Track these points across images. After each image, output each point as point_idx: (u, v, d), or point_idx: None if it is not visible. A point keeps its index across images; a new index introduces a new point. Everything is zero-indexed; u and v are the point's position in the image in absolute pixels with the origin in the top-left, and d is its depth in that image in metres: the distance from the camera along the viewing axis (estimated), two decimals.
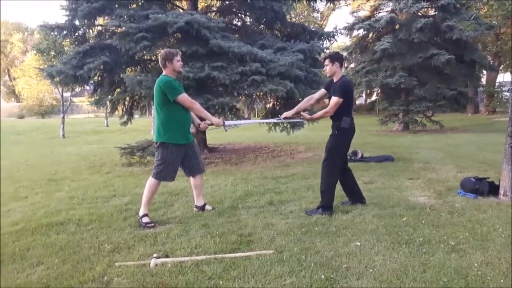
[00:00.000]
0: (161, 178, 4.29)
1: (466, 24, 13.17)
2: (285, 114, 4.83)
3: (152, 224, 4.11)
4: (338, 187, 4.59)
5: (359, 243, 3.42)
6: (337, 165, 4.58)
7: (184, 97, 4.18)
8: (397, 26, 15.15)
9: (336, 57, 4.55)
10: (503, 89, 23.69)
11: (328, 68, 4.52)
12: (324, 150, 4.68)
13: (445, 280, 2.72)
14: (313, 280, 2.77)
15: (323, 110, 4.50)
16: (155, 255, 3.24)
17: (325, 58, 4.64)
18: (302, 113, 4.68)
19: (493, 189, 4.90)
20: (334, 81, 4.56)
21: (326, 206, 4.39)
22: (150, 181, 4.30)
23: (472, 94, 18.96)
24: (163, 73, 4.25)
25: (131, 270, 3.02)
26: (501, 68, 23.68)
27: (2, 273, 3.10)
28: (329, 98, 4.59)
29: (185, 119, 4.32)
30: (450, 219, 4.02)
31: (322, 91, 4.79)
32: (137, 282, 2.83)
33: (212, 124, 4.58)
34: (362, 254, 3.19)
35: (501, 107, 22.49)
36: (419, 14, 15.16)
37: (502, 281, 2.70)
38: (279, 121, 5.70)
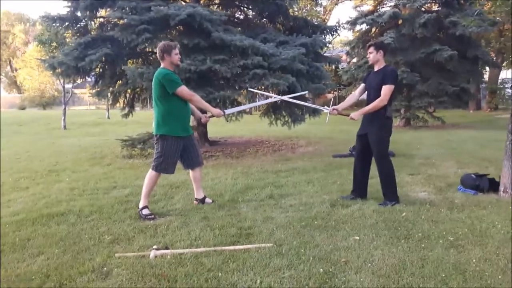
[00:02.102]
0: (161, 170, 4.29)
1: (469, 20, 13.09)
2: (335, 107, 4.64)
3: (152, 216, 4.13)
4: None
5: (358, 238, 3.43)
6: (389, 155, 4.56)
7: (183, 90, 4.17)
8: (400, 21, 15.07)
9: (381, 45, 4.48)
10: (506, 86, 23.64)
11: (372, 55, 4.45)
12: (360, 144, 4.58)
13: (443, 275, 2.73)
14: (311, 273, 2.78)
15: (377, 100, 4.32)
16: (154, 246, 3.25)
17: (369, 46, 4.51)
18: (351, 115, 4.48)
19: (493, 186, 4.91)
20: (375, 69, 4.50)
21: (395, 198, 4.43)
22: (150, 173, 4.31)
23: (474, 91, 18.91)
24: (161, 66, 4.24)
25: (130, 261, 3.04)
26: (504, 64, 23.60)
27: (2, 263, 3.12)
28: (368, 89, 4.54)
29: (184, 112, 4.32)
30: (450, 215, 4.03)
31: (362, 85, 4.70)
32: (137, 273, 2.85)
33: (213, 116, 4.57)
34: (361, 249, 3.20)
35: (503, 104, 22.47)
36: (423, 9, 15.06)
37: (500, 277, 2.70)
38: (279, 99, 5.61)
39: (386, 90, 4.30)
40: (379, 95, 4.33)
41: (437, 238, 3.41)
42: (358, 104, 4.83)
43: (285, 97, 5.50)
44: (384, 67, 4.46)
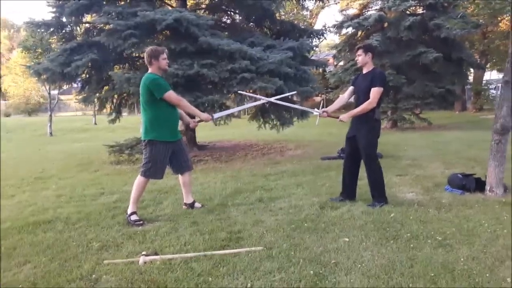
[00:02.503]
0: (150, 176, 4.26)
1: (453, 23, 13.28)
2: (325, 109, 4.67)
3: (141, 222, 4.09)
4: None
5: (347, 239, 3.44)
6: (377, 158, 4.59)
7: (171, 95, 4.15)
8: (385, 24, 15.22)
9: (369, 48, 4.52)
10: (490, 87, 24.03)
11: (361, 58, 4.48)
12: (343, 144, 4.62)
13: (432, 274, 2.75)
14: (302, 275, 2.78)
15: (366, 102, 4.34)
16: (143, 252, 3.23)
17: (358, 48, 4.54)
18: (341, 117, 4.51)
19: (479, 185, 4.97)
20: (364, 72, 4.53)
21: (383, 200, 4.46)
22: (139, 179, 4.27)
23: (459, 92, 19.15)
24: (149, 71, 4.22)
25: (119, 268, 3.00)
26: (488, 66, 23.98)
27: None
28: (357, 92, 4.57)
29: (172, 117, 4.29)
30: (438, 215, 4.07)
31: (351, 88, 4.72)
32: (126, 279, 2.82)
33: (201, 121, 4.56)
34: (350, 250, 3.21)
35: (488, 105, 22.78)
36: (407, 12, 15.25)
37: (487, 275, 2.74)
38: (266, 100, 5.64)
39: (375, 92, 4.34)
40: (367, 98, 4.37)
41: (425, 238, 3.44)
42: (346, 107, 4.84)
43: (273, 99, 5.51)
44: (373, 69, 4.50)
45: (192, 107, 4.47)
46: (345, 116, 4.51)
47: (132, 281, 2.80)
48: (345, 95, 4.82)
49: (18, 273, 3.03)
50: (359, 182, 4.82)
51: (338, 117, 4.55)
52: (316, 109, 4.87)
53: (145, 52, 4.28)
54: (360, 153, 4.55)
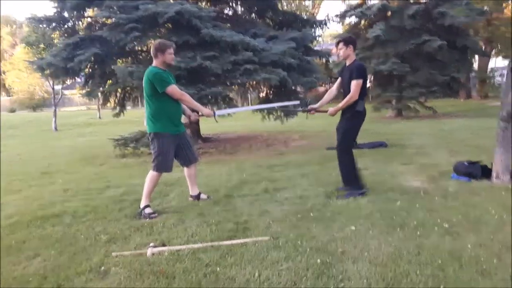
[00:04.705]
0: (163, 169, 4.26)
1: (457, 10, 13.17)
2: (312, 107, 4.75)
3: (156, 214, 4.11)
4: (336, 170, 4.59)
5: (354, 228, 3.44)
6: (351, 148, 4.60)
7: (173, 89, 4.13)
8: (389, 13, 15.10)
9: (350, 40, 4.52)
10: (495, 74, 23.85)
11: (342, 51, 4.49)
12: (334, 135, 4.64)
13: (440, 262, 2.75)
14: (309, 264, 2.79)
15: (348, 96, 4.38)
16: (151, 244, 3.25)
17: (338, 42, 4.56)
18: (328, 111, 4.53)
19: (486, 173, 4.95)
20: (347, 64, 4.54)
21: (359, 188, 4.46)
22: (151, 174, 4.27)
23: (464, 80, 19.03)
24: (153, 64, 4.20)
25: (128, 260, 3.03)
26: (492, 53, 23.79)
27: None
28: (342, 84, 4.60)
29: (176, 110, 4.29)
30: (444, 203, 4.06)
31: (338, 80, 4.74)
32: (135, 271, 2.84)
33: (203, 115, 4.55)
34: (357, 239, 3.22)
35: (493, 92, 22.65)
36: (411, 1, 15.12)
37: (495, 262, 2.73)
38: (269, 107, 5.66)
39: (354, 85, 4.36)
40: (350, 90, 4.40)
41: (432, 225, 3.43)
42: (338, 96, 4.87)
43: (277, 104, 5.51)
44: (353, 62, 4.52)
45: (195, 102, 4.45)
46: (332, 111, 4.54)
47: (141, 272, 2.82)
48: (334, 88, 4.85)
49: (28, 266, 3.06)
50: (365, 172, 4.85)
51: (326, 111, 4.60)
52: (304, 108, 4.97)
53: (152, 45, 4.26)
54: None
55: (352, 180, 4.53)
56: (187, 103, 4.34)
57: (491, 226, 3.36)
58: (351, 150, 4.59)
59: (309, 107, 4.78)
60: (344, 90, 4.56)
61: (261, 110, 9.57)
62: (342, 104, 4.46)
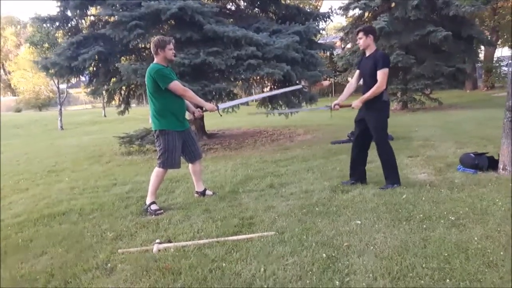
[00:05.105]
0: (168, 166, 4.26)
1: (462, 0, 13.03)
2: (336, 102, 4.63)
3: (162, 211, 4.13)
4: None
5: (359, 222, 3.44)
6: (388, 139, 4.56)
7: (175, 85, 4.13)
8: (393, 4, 14.96)
9: (370, 30, 4.46)
10: (501, 64, 23.59)
11: (362, 41, 4.43)
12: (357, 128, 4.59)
13: (446, 254, 2.74)
14: (314, 259, 2.79)
15: (375, 86, 4.28)
16: (157, 240, 3.26)
17: (358, 31, 4.48)
18: (353, 104, 4.45)
19: (492, 164, 4.92)
20: (367, 54, 4.48)
21: (396, 181, 4.44)
22: (157, 170, 4.28)
23: (470, 70, 18.85)
24: (154, 61, 4.20)
25: (134, 256, 3.05)
26: (498, 43, 23.55)
27: (6, 264, 3.12)
28: (362, 75, 4.53)
29: (180, 106, 4.29)
30: (450, 195, 4.04)
31: (357, 72, 4.68)
32: (141, 267, 2.86)
33: (206, 110, 4.55)
34: (362, 232, 3.21)
35: (500, 82, 22.43)
36: None
37: (502, 253, 2.72)
38: (273, 94, 5.61)
39: (382, 75, 4.28)
40: (374, 80, 4.31)
41: (438, 218, 3.42)
42: (356, 90, 4.80)
43: (279, 91, 5.46)
44: (375, 51, 4.44)
45: (198, 97, 4.45)
46: (357, 103, 4.43)
47: (147, 268, 2.83)
48: (353, 81, 4.77)
49: (35, 264, 3.09)
50: (370, 165, 4.81)
51: (350, 105, 4.51)
52: (326, 105, 4.85)
53: (152, 42, 4.26)
54: (368, 135, 4.51)
55: (393, 172, 4.48)
56: (190, 99, 4.34)
57: (498, 218, 3.34)
58: (388, 140, 4.56)
59: (332, 103, 4.65)
60: (366, 81, 4.47)
61: (266, 106, 9.55)
62: (368, 94, 4.35)
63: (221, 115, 4.81)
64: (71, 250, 3.30)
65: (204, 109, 4.53)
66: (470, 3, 13.04)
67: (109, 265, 2.96)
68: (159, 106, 4.17)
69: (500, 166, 4.79)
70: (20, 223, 4.11)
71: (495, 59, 23.76)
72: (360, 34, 4.43)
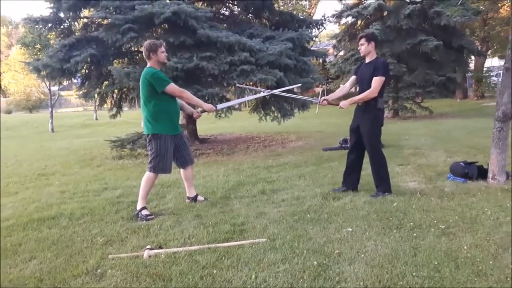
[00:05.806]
0: (159, 170, 4.25)
1: (453, 10, 13.21)
2: (324, 98, 4.63)
3: (153, 216, 4.10)
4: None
5: (350, 229, 3.45)
6: (381, 147, 4.59)
7: (172, 87, 4.14)
8: (385, 13, 15.14)
9: (372, 37, 4.47)
10: (491, 74, 23.92)
11: (364, 47, 4.44)
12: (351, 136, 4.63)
13: (436, 263, 2.76)
14: (305, 266, 2.79)
15: (368, 91, 4.32)
16: (148, 246, 3.24)
17: (360, 37, 4.49)
18: (341, 104, 4.45)
19: (482, 173, 4.97)
20: (367, 61, 4.49)
21: (387, 189, 4.45)
22: (148, 175, 4.26)
23: (460, 80, 19.10)
24: (148, 65, 4.20)
25: (124, 262, 3.02)
26: (488, 53, 23.87)
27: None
28: (360, 81, 4.54)
29: (174, 110, 4.28)
30: (440, 204, 4.07)
31: (353, 78, 4.68)
32: (131, 273, 2.83)
33: (205, 111, 4.54)
34: (353, 240, 3.22)
35: (490, 92, 22.72)
36: (407, 0, 15.16)
37: (491, 262, 2.74)
38: (269, 93, 5.63)
39: (377, 81, 4.30)
40: (370, 87, 4.35)
41: (428, 226, 3.44)
42: (348, 96, 4.82)
43: (277, 91, 5.48)
44: (375, 59, 4.46)
45: (195, 98, 4.45)
46: (346, 103, 4.45)
47: (137, 275, 2.81)
48: (347, 85, 4.78)
49: (24, 269, 3.05)
50: (361, 172, 4.82)
51: (338, 104, 4.53)
52: (315, 98, 4.86)
53: (143, 47, 4.25)
54: (364, 143, 4.54)
55: (384, 180, 4.49)
56: (187, 99, 4.33)
57: (487, 227, 3.37)
58: (381, 149, 4.59)
59: (321, 98, 4.65)
60: (362, 87, 4.49)
61: (258, 111, 9.57)
62: (359, 97, 4.38)
63: (216, 117, 4.81)
64: (61, 255, 3.26)
65: (202, 109, 4.52)
66: (461, 13, 13.22)
67: (99, 270, 2.93)
68: (153, 110, 4.16)
69: (490, 175, 4.85)
70: (9, 227, 4.05)
71: (485, 69, 24.11)
72: (362, 40, 4.45)
